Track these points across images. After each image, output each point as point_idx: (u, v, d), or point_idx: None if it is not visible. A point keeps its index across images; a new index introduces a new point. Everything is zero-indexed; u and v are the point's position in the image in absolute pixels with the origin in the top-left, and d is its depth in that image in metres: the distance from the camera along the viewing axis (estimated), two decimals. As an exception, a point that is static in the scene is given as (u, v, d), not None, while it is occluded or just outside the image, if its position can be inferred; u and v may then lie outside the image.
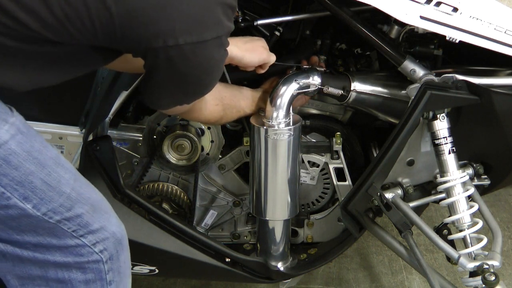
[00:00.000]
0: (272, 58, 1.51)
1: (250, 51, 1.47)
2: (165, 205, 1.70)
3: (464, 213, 1.51)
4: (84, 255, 1.16)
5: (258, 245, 1.71)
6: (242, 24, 1.58)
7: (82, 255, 1.16)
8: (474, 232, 1.51)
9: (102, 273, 1.19)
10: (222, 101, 1.49)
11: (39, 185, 1.08)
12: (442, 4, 1.40)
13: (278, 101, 1.51)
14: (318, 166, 1.69)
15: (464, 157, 1.58)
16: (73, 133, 1.65)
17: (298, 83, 1.52)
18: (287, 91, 1.52)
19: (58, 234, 1.13)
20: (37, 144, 1.10)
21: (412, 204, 1.57)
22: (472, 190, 1.53)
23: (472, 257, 1.49)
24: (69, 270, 1.16)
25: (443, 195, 1.54)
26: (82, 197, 1.15)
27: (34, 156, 1.08)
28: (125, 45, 1.06)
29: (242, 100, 1.55)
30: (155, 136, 1.67)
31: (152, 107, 1.32)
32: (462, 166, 1.56)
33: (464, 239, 1.51)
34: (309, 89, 1.54)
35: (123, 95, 1.54)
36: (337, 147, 1.63)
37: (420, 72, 1.51)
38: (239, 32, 1.59)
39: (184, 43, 1.04)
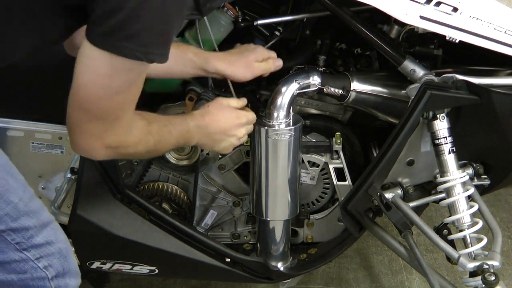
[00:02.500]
0: (269, 68, 1.52)
1: (243, 67, 1.47)
2: (165, 205, 1.70)
3: (464, 213, 1.51)
4: (27, 271, 1.12)
5: (258, 245, 1.71)
6: (242, 24, 1.59)
7: (25, 272, 1.12)
8: (474, 232, 1.51)
9: None
10: (143, 115, 1.26)
11: None
12: (442, 4, 1.40)
13: (279, 101, 1.51)
14: (318, 166, 1.69)
15: (464, 157, 1.58)
16: (73, 133, 1.65)
17: (298, 83, 1.52)
18: (287, 91, 1.52)
19: (1, 246, 1.09)
20: None
21: (412, 204, 1.57)
22: (472, 190, 1.53)
23: (472, 257, 1.49)
24: None
25: (443, 195, 1.55)
26: (30, 209, 1.12)
27: None
28: None
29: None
30: (155, 136, 1.67)
31: (96, 44, 1.05)
32: (462, 166, 1.56)
33: (464, 239, 1.51)
34: (309, 89, 1.54)
35: (123, 95, 1.54)
36: (337, 147, 1.63)
37: (420, 72, 1.51)
38: (239, 32, 1.59)
39: None
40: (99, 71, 1.04)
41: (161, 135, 1.28)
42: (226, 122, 1.42)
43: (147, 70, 1.09)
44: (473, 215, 1.52)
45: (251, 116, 1.48)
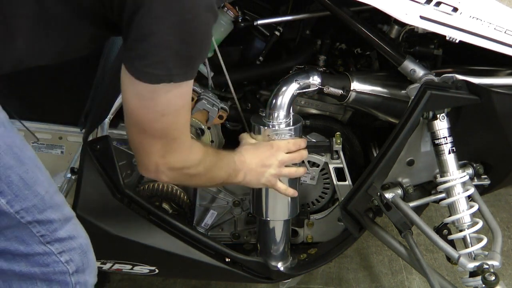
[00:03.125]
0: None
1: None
2: (165, 205, 1.70)
3: (464, 213, 1.51)
4: (50, 264, 1.13)
5: (258, 245, 1.71)
6: (242, 24, 1.59)
7: (48, 265, 1.13)
8: (474, 232, 1.51)
9: (69, 286, 1.16)
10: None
11: (15, 180, 1.07)
12: (442, 4, 1.41)
13: (279, 101, 1.51)
14: (318, 166, 1.69)
15: (464, 157, 1.58)
16: (73, 133, 1.65)
17: (298, 83, 1.52)
18: (288, 91, 1.52)
19: (26, 238, 1.11)
20: (18, 141, 1.10)
21: (412, 204, 1.57)
22: (472, 190, 1.53)
23: (472, 257, 1.49)
24: (34, 283, 1.13)
25: (443, 195, 1.55)
26: (55, 202, 1.13)
27: (15, 151, 1.07)
28: None
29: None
30: (155, 136, 1.67)
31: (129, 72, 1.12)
32: (462, 166, 1.57)
33: (464, 239, 1.51)
34: (309, 89, 1.54)
35: (123, 95, 1.54)
36: (337, 147, 1.63)
37: (420, 72, 1.51)
38: (239, 32, 1.59)
39: None
40: (141, 96, 1.13)
41: (216, 159, 1.38)
42: (262, 153, 1.48)
43: (187, 91, 1.17)
44: (473, 215, 1.52)
45: (284, 144, 1.50)
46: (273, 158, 1.48)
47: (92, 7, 1.11)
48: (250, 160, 1.46)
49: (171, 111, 1.16)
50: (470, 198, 1.54)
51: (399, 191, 1.59)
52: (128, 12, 1.07)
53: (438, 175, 1.55)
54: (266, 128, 1.51)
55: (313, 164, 1.69)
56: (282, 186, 1.52)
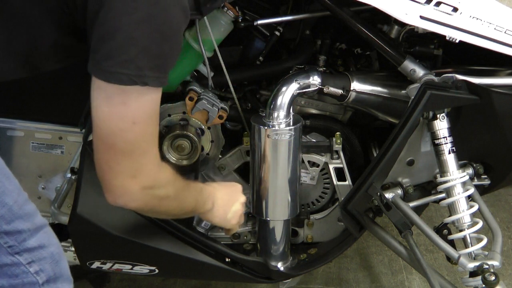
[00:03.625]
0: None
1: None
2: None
3: (464, 213, 1.51)
4: (19, 275, 1.11)
5: (258, 245, 1.71)
6: (242, 24, 1.59)
7: (16, 276, 1.10)
8: (474, 232, 1.51)
9: None
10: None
11: None
12: (442, 4, 1.41)
13: (279, 101, 1.51)
14: (318, 166, 1.69)
15: (464, 157, 1.59)
16: (73, 133, 1.65)
17: (298, 83, 1.52)
18: (288, 91, 1.52)
19: None
20: None
21: (412, 204, 1.57)
22: (472, 190, 1.53)
23: (472, 257, 1.49)
24: None
25: (443, 195, 1.55)
26: (24, 212, 1.11)
27: None
28: None
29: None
30: (155, 136, 1.67)
31: (95, 75, 1.08)
32: (462, 166, 1.57)
33: (464, 239, 1.52)
34: (309, 89, 1.54)
35: (123, 95, 1.54)
36: (337, 147, 1.63)
37: (420, 72, 1.51)
38: (239, 32, 1.59)
39: None
40: (111, 101, 1.07)
41: (185, 184, 1.31)
42: (229, 187, 1.51)
43: (157, 98, 1.11)
44: (473, 215, 1.52)
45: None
46: (239, 194, 1.51)
47: (56, 6, 1.08)
48: (218, 190, 1.45)
49: (142, 119, 1.10)
50: (470, 198, 1.54)
51: (399, 191, 1.59)
52: (91, 10, 1.03)
53: (438, 175, 1.55)
54: (266, 128, 1.51)
55: (313, 164, 1.69)
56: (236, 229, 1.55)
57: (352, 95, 1.56)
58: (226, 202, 1.47)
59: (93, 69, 1.06)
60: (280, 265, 1.69)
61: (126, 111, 1.07)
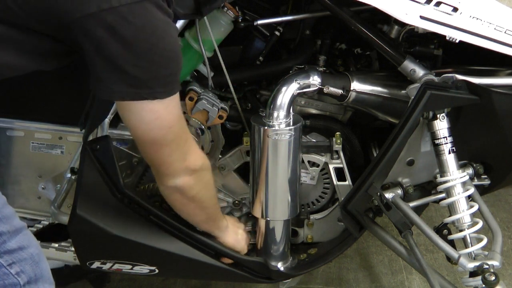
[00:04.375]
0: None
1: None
2: (165, 205, 1.70)
3: (464, 213, 1.51)
4: (0, 277, 1.11)
5: (258, 245, 1.71)
6: (242, 24, 1.59)
7: None
8: (474, 232, 1.51)
9: None
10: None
11: None
12: (442, 4, 1.41)
13: (279, 101, 1.51)
14: (318, 166, 1.69)
15: (464, 157, 1.59)
16: (73, 133, 1.65)
17: (298, 83, 1.52)
18: (288, 91, 1.52)
19: None
20: None
21: (412, 204, 1.57)
22: (472, 190, 1.53)
23: (472, 257, 1.49)
24: None
25: (443, 195, 1.55)
26: (3, 215, 1.12)
27: None
28: (56, 20, 1.07)
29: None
30: (155, 136, 1.67)
31: (107, 97, 1.20)
32: (462, 166, 1.57)
33: (464, 239, 1.51)
34: (309, 89, 1.54)
35: (123, 95, 1.54)
36: (337, 147, 1.63)
37: (420, 72, 1.51)
38: (239, 32, 1.59)
39: (119, 5, 1.05)
40: (146, 119, 1.21)
41: (213, 189, 1.52)
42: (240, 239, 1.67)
43: (178, 100, 1.25)
44: (473, 215, 1.52)
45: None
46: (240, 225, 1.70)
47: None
48: (235, 230, 1.65)
49: (175, 121, 1.25)
50: (470, 198, 1.54)
51: (399, 191, 1.59)
52: (89, 48, 1.10)
53: (438, 175, 1.55)
54: (266, 128, 1.51)
55: (313, 164, 1.69)
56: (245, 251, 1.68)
57: (352, 95, 1.56)
58: (235, 224, 1.66)
59: (122, 95, 1.16)
60: (280, 265, 1.69)
61: (160, 122, 1.22)
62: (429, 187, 1.61)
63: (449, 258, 1.51)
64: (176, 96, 1.23)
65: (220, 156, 1.70)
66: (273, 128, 1.51)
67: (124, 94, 1.15)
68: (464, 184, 1.52)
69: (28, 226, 1.76)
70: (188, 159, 1.33)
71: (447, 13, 1.41)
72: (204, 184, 1.42)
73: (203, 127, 1.65)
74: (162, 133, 1.24)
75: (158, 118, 1.21)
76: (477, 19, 1.42)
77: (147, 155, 1.32)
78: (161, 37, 1.12)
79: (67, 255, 1.69)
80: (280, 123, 1.52)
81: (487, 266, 1.42)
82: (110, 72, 1.12)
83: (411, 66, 1.51)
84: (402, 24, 1.49)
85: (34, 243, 1.19)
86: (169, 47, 1.14)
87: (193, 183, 1.38)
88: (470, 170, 1.59)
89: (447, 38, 1.43)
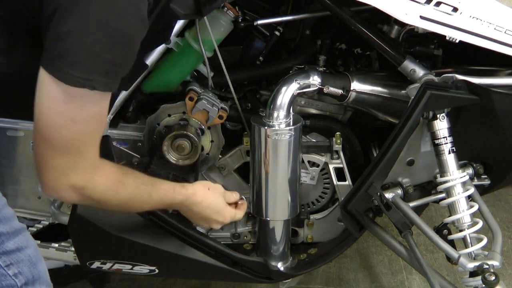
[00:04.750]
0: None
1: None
2: (165, 205, 1.70)
3: (464, 213, 1.51)
4: None
5: (258, 245, 1.71)
6: (242, 24, 1.59)
7: None
8: (474, 232, 1.51)
9: None
10: (120, 167, 1.27)
11: None
12: (442, 4, 1.41)
13: (279, 101, 1.51)
14: (318, 166, 1.69)
15: (464, 157, 1.59)
16: (73, 133, 1.65)
17: (298, 83, 1.52)
18: (288, 91, 1.52)
19: None
20: None
21: (412, 204, 1.57)
22: (472, 190, 1.53)
23: (472, 257, 1.49)
24: None
25: (443, 195, 1.55)
26: (3, 216, 1.12)
27: None
28: None
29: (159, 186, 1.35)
30: (155, 136, 1.67)
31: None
32: (462, 166, 1.57)
33: (464, 239, 1.51)
34: (309, 89, 1.54)
35: (123, 95, 1.54)
36: (337, 147, 1.63)
37: (420, 72, 1.51)
38: (239, 32, 1.59)
39: None
40: (54, 97, 1.05)
41: (137, 193, 1.28)
42: (211, 213, 1.45)
43: (105, 101, 1.10)
44: (473, 215, 1.52)
45: (238, 215, 1.51)
46: (216, 223, 1.49)
47: (20, 12, 1.08)
48: (196, 208, 1.42)
49: (83, 119, 1.08)
50: (470, 198, 1.54)
51: (399, 191, 1.59)
52: (46, 13, 1.03)
53: (438, 175, 1.55)
54: (266, 128, 1.51)
55: (313, 164, 1.69)
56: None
57: (352, 95, 1.56)
58: (194, 216, 1.46)
59: (44, 63, 1.05)
60: (280, 265, 1.69)
61: (66, 109, 1.06)
62: (429, 187, 1.61)
63: (449, 258, 1.51)
64: (104, 97, 1.08)
65: (220, 156, 1.70)
66: (273, 128, 1.51)
67: (60, 72, 1.03)
68: (464, 184, 1.52)
69: (28, 226, 1.78)
70: (70, 176, 1.12)
71: (447, 13, 1.41)
72: (92, 201, 1.20)
73: (203, 127, 1.65)
74: (60, 122, 1.06)
75: (66, 103, 1.05)
76: (477, 19, 1.42)
77: (34, 145, 1.13)
78: (118, 16, 1.02)
79: (67, 255, 1.69)
80: (280, 123, 1.52)
81: (487, 266, 1.42)
82: (56, 43, 1.02)
83: (411, 66, 1.51)
84: (402, 24, 1.49)
85: (32, 244, 1.18)
86: (122, 31, 1.04)
87: (74, 200, 1.19)
88: (470, 170, 1.59)
89: (447, 38, 1.43)
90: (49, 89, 1.05)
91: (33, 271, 1.16)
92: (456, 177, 1.51)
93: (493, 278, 1.39)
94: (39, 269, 1.18)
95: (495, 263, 1.44)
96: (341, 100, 1.58)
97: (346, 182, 1.68)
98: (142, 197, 1.29)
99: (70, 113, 1.06)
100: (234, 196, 1.52)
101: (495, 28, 1.43)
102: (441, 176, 1.53)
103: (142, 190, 1.28)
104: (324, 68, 1.66)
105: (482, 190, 1.63)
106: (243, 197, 1.57)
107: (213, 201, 1.45)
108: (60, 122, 1.06)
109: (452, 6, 1.41)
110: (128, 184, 1.24)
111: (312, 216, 1.76)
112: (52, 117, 1.07)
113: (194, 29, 1.52)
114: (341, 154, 1.66)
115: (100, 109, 1.10)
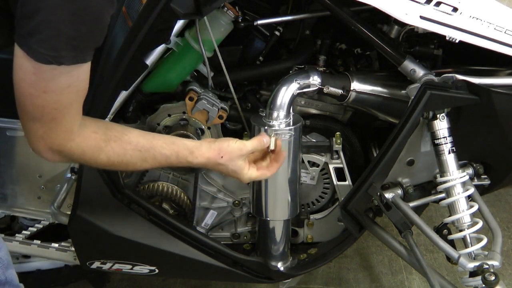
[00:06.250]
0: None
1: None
2: (165, 205, 1.70)
3: (464, 213, 1.51)
4: None
5: (258, 245, 1.71)
6: (242, 24, 1.59)
7: None
8: (474, 232, 1.51)
9: None
10: (106, 132, 1.26)
11: None
12: (442, 4, 1.40)
13: (279, 101, 1.51)
14: (318, 166, 1.69)
15: (464, 157, 1.59)
16: (73, 133, 1.65)
17: (298, 83, 1.52)
18: (288, 91, 1.52)
19: None
20: None
21: (412, 204, 1.57)
22: (472, 190, 1.53)
23: (472, 257, 1.49)
24: None
25: (443, 195, 1.55)
26: None
27: None
28: None
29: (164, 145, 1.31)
30: (155, 136, 1.67)
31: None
32: (462, 166, 1.57)
33: (464, 239, 1.51)
34: (309, 89, 1.54)
35: (123, 95, 1.54)
36: (337, 147, 1.63)
37: (420, 72, 1.51)
38: (239, 32, 1.59)
39: None
40: (25, 69, 1.09)
41: (125, 158, 1.27)
42: (231, 173, 1.37)
43: (76, 71, 1.11)
44: (473, 215, 1.52)
45: (261, 176, 1.41)
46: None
47: None
48: (216, 168, 1.36)
49: (54, 90, 1.11)
50: (470, 198, 1.54)
51: (399, 191, 1.59)
52: None
53: (438, 175, 1.55)
54: (266, 128, 1.51)
55: (313, 164, 1.69)
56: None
57: (352, 95, 1.56)
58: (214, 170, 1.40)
59: (16, 38, 1.08)
60: (280, 265, 1.69)
61: (37, 80, 1.09)
62: (429, 187, 1.61)
63: (449, 258, 1.51)
64: (77, 68, 1.10)
65: (220, 156, 1.69)
66: (273, 128, 1.51)
67: (29, 49, 1.05)
68: (464, 184, 1.52)
69: (28, 226, 1.78)
70: (46, 140, 1.17)
71: (447, 13, 1.41)
72: (73, 160, 1.25)
73: (203, 127, 1.65)
74: (31, 91, 1.10)
75: (36, 75, 1.09)
76: (477, 19, 1.42)
77: (18, 113, 1.18)
78: None
79: (67, 255, 1.69)
80: (280, 123, 1.52)
81: (487, 266, 1.42)
82: (24, 21, 1.04)
83: (411, 66, 1.51)
84: (402, 24, 1.49)
85: (4, 247, 1.19)
86: (88, 9, 1.04)
87: (56, 160, 1.22)
88: (470, 170, 1.59)
89: (447, 38, 1.43)
90: (21, 62, 1.08)
91: (6, 272, 1.17)
92: (456, 177, 1.51)
93: (493, 278, 1.39)
94: (11, 273, 1.19)
95: (495, 263, 1.44)
96: (341, 100, 1.58)
97: (346, 182, 1.68)
98: (132, 161, 1.28)
99: (41, 84, 1.10)
100: (258, 143, 1.38)
101: (495, 28, 1.43)
102: (441, 176, 1.53)
103: (132, 156, 1.28)
104: (324, 68, 1.66)
105: (482, 190, 1.63)
106: (272, 135, 1.44)
107: (225, 171, 1.37)
108: (32, 91, 1.11)
109: (452, 6, 1.41)
110: (112, 150, 1.25)
111: (312, 216, 1.76)
112: (25, 87, 1.11)
113: (194, 29, 1.52)
114: (341, 154, 1.66)
115: (72, 79, 1.12)
